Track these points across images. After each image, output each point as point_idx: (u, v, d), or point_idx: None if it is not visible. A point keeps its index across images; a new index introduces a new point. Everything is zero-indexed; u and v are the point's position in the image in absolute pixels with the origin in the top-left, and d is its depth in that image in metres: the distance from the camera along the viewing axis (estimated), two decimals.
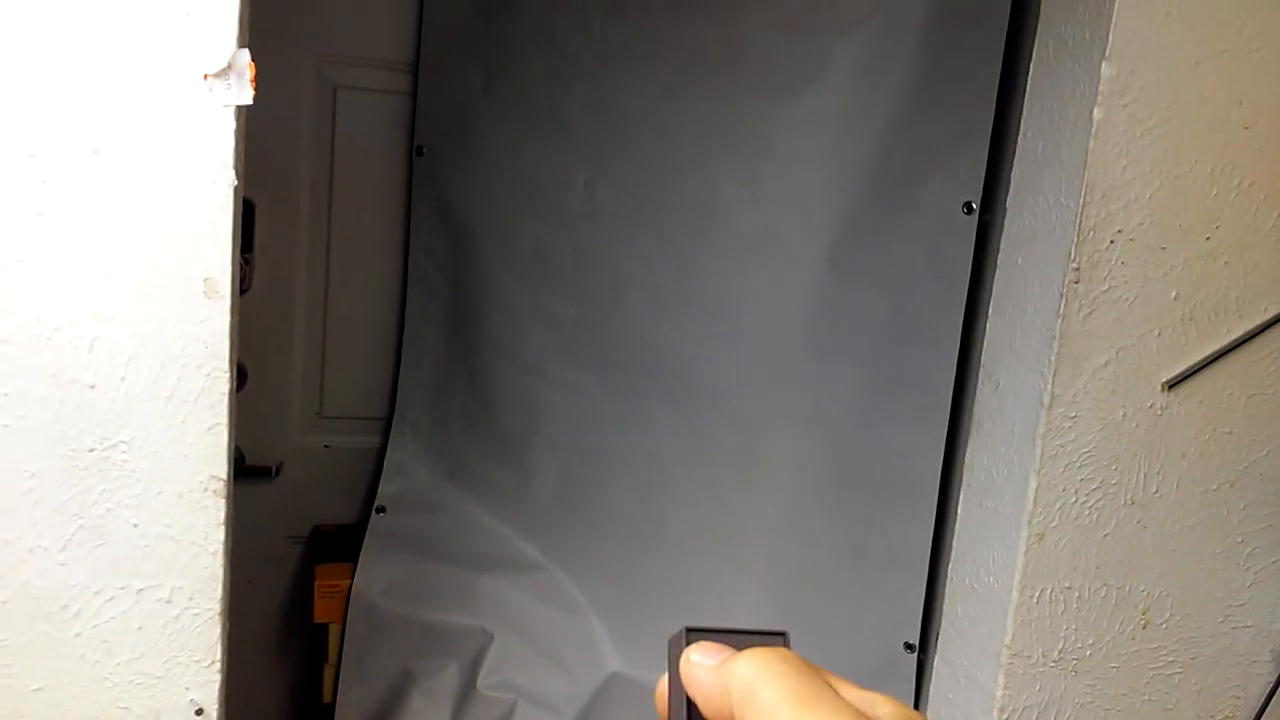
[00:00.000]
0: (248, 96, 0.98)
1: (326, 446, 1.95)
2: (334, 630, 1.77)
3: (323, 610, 1.77)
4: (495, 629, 1.73)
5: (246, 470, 1.89)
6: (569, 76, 1.70)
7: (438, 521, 1.85)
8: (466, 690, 1.71)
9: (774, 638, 0.40)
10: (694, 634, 0.40)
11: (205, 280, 0.99)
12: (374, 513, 1.86)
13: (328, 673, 1.78)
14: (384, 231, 1.92)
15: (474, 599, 1.76)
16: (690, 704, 0.39)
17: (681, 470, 1.69)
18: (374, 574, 1.78)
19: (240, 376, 1.86)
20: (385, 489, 1.88)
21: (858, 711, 0.35)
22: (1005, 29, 1.41)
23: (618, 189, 1.68)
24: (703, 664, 0.38)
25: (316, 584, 1.77)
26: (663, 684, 0.40)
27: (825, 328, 1.56)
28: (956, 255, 1.47)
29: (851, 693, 0.38)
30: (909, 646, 1.53)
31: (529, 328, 1.78)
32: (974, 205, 1.45)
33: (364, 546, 1.81)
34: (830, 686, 0.36)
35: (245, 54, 0.97)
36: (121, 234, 0.97)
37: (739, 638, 0.40)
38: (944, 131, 1.46)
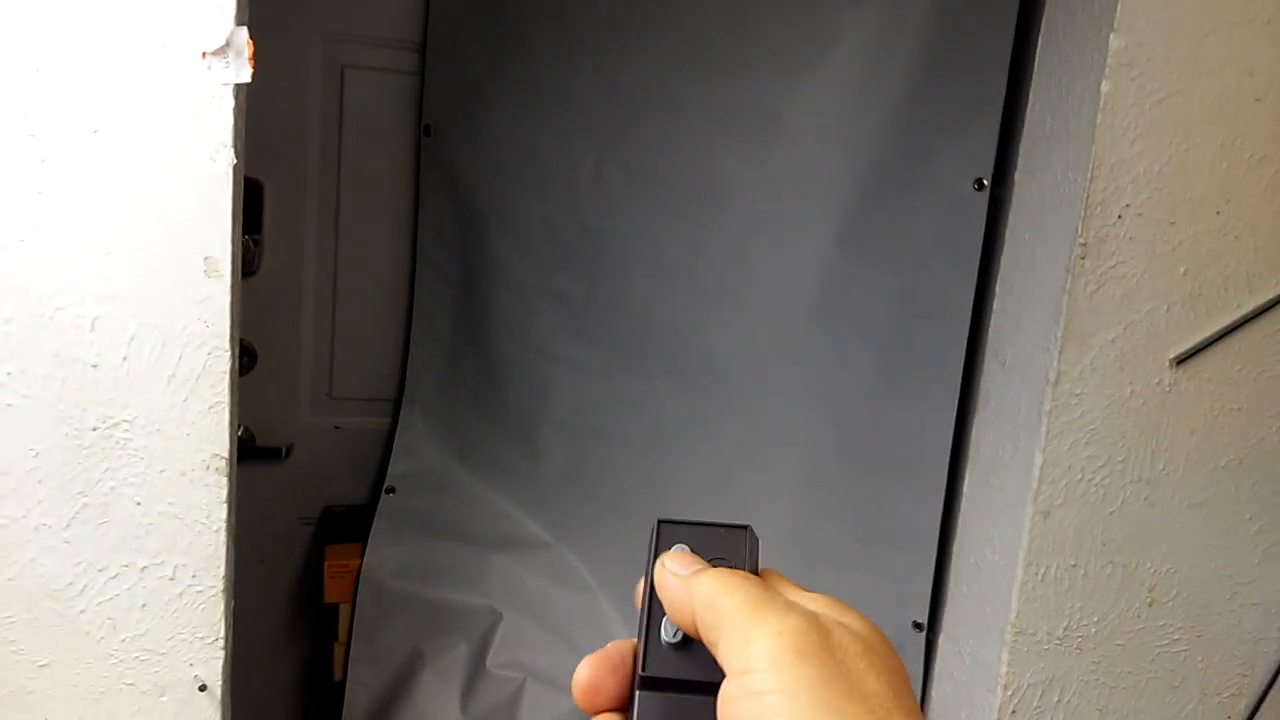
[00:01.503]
0: (246, 75, 0.98)
1: (336, 427, 1.96)
2: (344, 610, 1.78)
3: (333, 590, 1.78)
4: (504, 608, 1.74)
5: (257, 451, 1.90)
6: (577, 54, 1.70)
7: (447, 502, 1.86)
8: (476, 669, 1.72)
9: (738, 530, 0.45)
10: (665, 526, 0.45)
11: (206, 259, 0.99)
12: (383, 493, 1.87)
13: (338, 652, 1.79)
14: (393, 211, 1.92)
15: (483, 578, 1.77)
16: (655, 591, 0.43)
17: (690, 449, 1.69)
18: (383, 554, 1.79)
19: (250, 358, 1.88)
20: (395, 469, 1.89)
21: (804, 608, 0.38)
22: (1016, 2, 1.39)
23: (626, 167, 1.68)
24: (675, 572, 0.42)
25: (326, 564, 1.78)
26: (642, 582, 0.45)
27: (834, 305, 1.55)
28: (967, 231, 1.46)
29: (795, 593, 0.42)
30: (917, 625, 1.52)
31: (537, 307, 1.78)
32: (985, 181, 1.44)
33: (373, 527, 1.82)
34: (782, 590, 0.40)
35: (243, 32, 0.97)
36: (122, 214, 0.97)
37: (708, 530, 0.45)
38: (954, 107, 1.45)
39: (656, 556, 0.44)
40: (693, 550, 0.44)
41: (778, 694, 0.35)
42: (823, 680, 0.35)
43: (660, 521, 0.45)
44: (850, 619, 0.38)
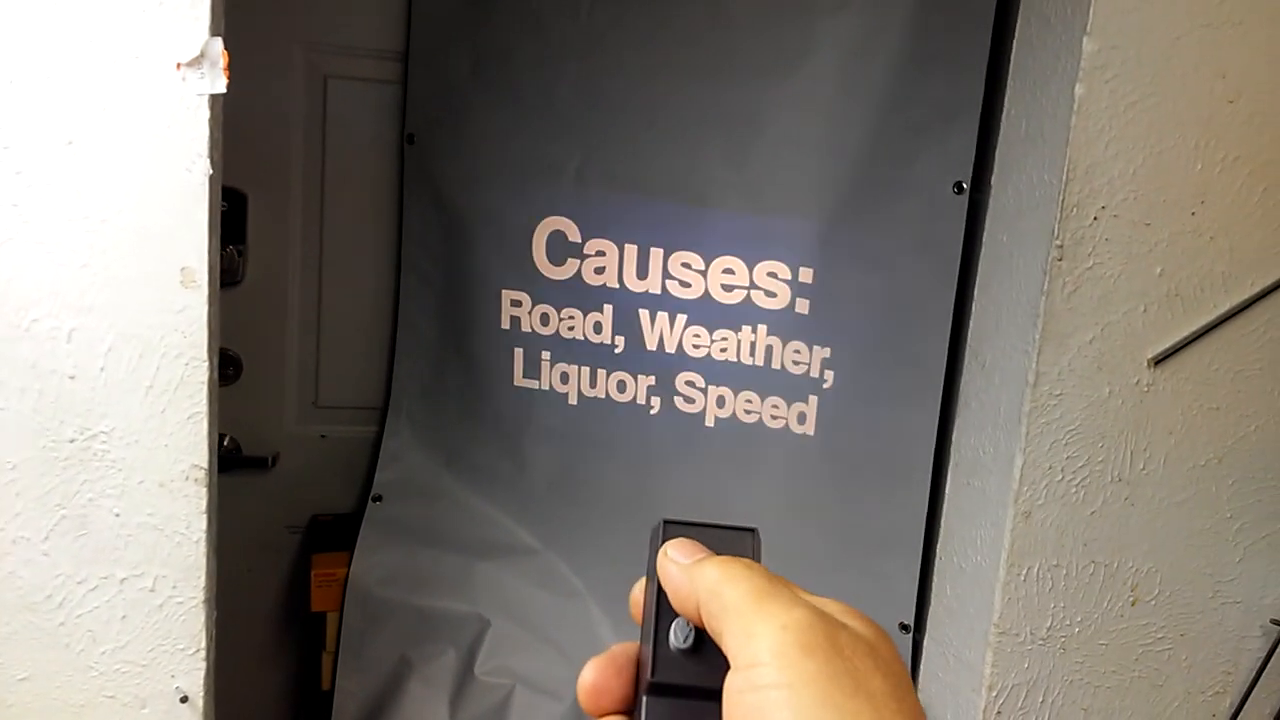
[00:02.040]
0: (221, 85, 0.98)
1: (323, 436, 1.95)
2: (332, 619, 1.78)
3: (320, 599, 1.78)
4: (492, 615, 1.74)
5: (243, 461, 1.90)
6: (558, 61, 1.70)
7: (434, 509, 1.86)
8: (464, 676, 1.72)
9: (744, 533, 0.44)
10: (670, 526, 0.44)
11: (182, 270, 1.00)
12: (370, 501, 1.86)
13: (326, 661, 1.78)
14: (377, 220, 1.91)
15: (471, 586, 1.77)
16: (662, 594, 0.42)
17: (675, 454, 1.69)
18: (371, 562, 1.79)
19: (235, 367, 1.88)
20: (381, 478, 1.89)
21: (810, 602, 0.38)
22: (993, 7, 1.40)
23: (608, 173, 1.68)
24: (677, 560, 0.41)
25: (313, 573, 1.78)
26: (639, 586, 0.44)
27: (817, 309, 1.56)
28: (947, 235, 1.47)
29: (804, 596, 0.41)
30: (904, 627, 1.52)
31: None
32: (964, 185, 1.45)
33: (360, 535, 1.82)
34: (788, 585, 0.39)
35: (218, 42, 0.97)
36: (97, 225, 0.98)
37: (712, 531, 0.44)
38: (933, 111, 1.46)
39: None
40: None
41: (782, 688, 0.34)
42: (827, 676, 0.35)
43: (665, 521, 0.44)
44: (856, 621, 0.38)
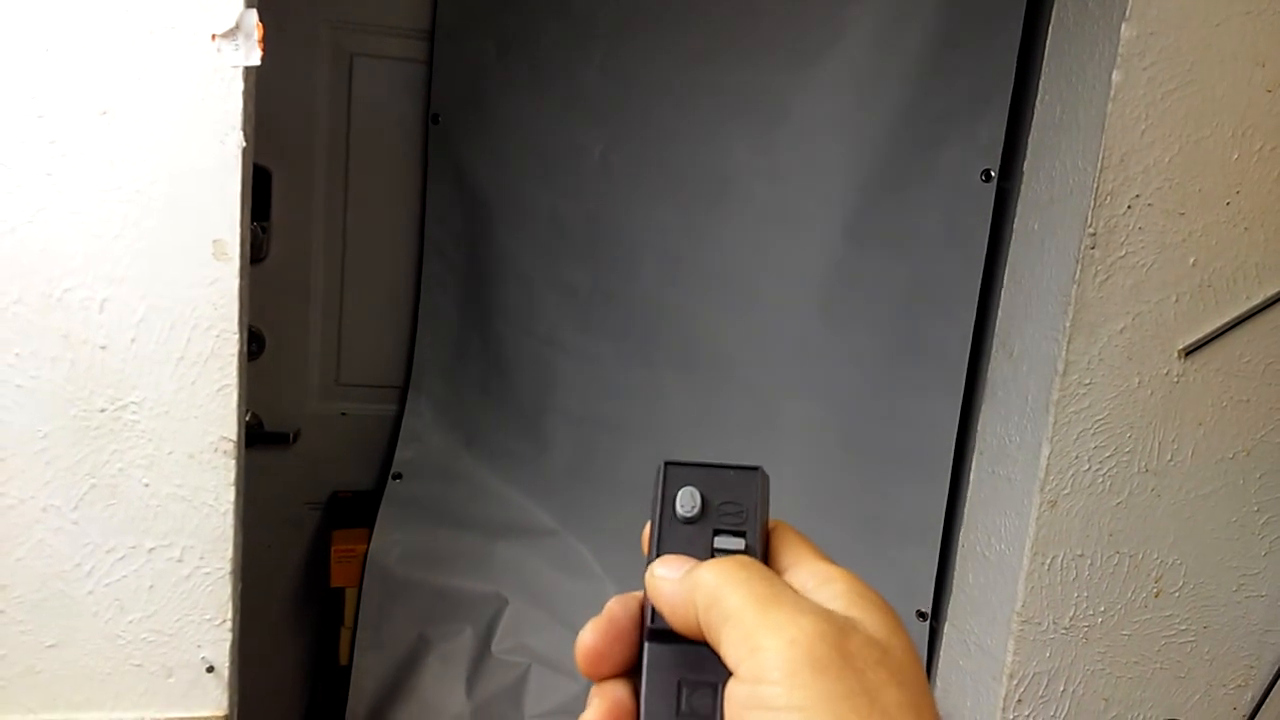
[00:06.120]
0: (256, 57, 0.98)
1: (344, 414, 1.96)
2: (350, 595, 1.79)
3: (339, 575, 1.78)
4: (510, 594, 1.74)
5: (265, 436, 1.90)
6: (584, 44, 1.69)
7: (453, 488, 1.86)
8: (481, 654, 1.72)
9: (750, 472, 0.42)
10: (672, 467, 0.42)
11: (214, 242, 1.00)
12: (390, 479, 1.87)
13: (344, 636, 1.79)
14: (400, 199, 1.92)
15: (489, 565, 1.77)
16: (663, 536, 0.41)
17: (695, 439, 1.69)
18: (390, 539, 1.80)
19: (258, 343, 1.89)
20: (401, 456, 1.89)
21: (816, 606, 0.36)
22: None
23: (633, 158, 1.68)
24: (667, 577, 0.39)
25: (333, 549, 1.79)
26: (648, 529, 0.42)
27: (841, 296, 1.55)
28: (974, 223, 1.46)
29: (811, 565, 0.40)
30: (921, 614, 1.52)
31: (544, 296, 1.78)
32: (992, 172, 1.44)
33: (380, 512, 1.82)
34: (790, 588, 0.38)
35: (253, 14, 0.97)
36: (130, 195, 0.97)
37: (716, 472, 0.42)
38: (962, 98, 1.44)
39: (663, 499, 0.41)
40: (702, 495, 0.41)
41: (794, 711, 0.33)
42: (840, 696, 0.33)
43: (666, 463, 0.42)
44: (868, 614, 0.36)
